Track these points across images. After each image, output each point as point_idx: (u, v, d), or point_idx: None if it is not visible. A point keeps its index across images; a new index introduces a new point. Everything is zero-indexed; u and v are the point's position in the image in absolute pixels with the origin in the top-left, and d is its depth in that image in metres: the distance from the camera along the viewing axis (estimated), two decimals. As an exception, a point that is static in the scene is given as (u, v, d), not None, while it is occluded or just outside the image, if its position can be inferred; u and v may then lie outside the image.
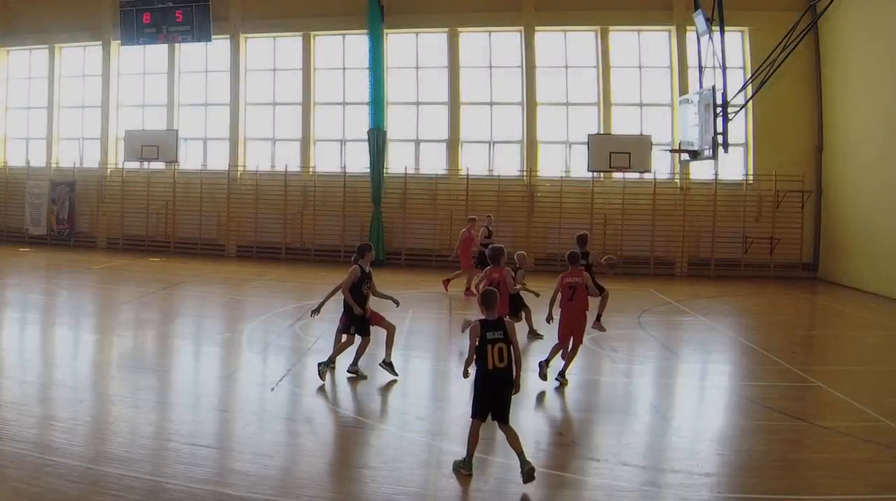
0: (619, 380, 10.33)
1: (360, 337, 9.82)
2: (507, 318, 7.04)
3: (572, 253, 9.93)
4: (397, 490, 6.37)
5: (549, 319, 9.95)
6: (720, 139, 16.60)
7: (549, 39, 23.80)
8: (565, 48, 23.81)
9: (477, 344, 6.66)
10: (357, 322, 9.74)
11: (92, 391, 9.17)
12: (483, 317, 6.78)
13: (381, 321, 10.03)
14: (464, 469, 6.70)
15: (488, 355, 6.61)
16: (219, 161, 25.57)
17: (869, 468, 7.05)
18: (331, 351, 9.90)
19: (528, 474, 6.41)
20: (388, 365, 9.89)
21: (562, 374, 9.72)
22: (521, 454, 6.52)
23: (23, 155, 27.66)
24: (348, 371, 9.83)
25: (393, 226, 23.89)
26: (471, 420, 6.76)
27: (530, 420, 8.78)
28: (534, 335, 12.33)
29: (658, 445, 7.83)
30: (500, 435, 8.06)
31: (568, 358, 9.79)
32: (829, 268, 21.80)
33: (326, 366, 9.64)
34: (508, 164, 23.86)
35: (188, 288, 18.13)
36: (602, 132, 22.90)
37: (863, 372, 11.24)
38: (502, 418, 6.67)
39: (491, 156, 24.12)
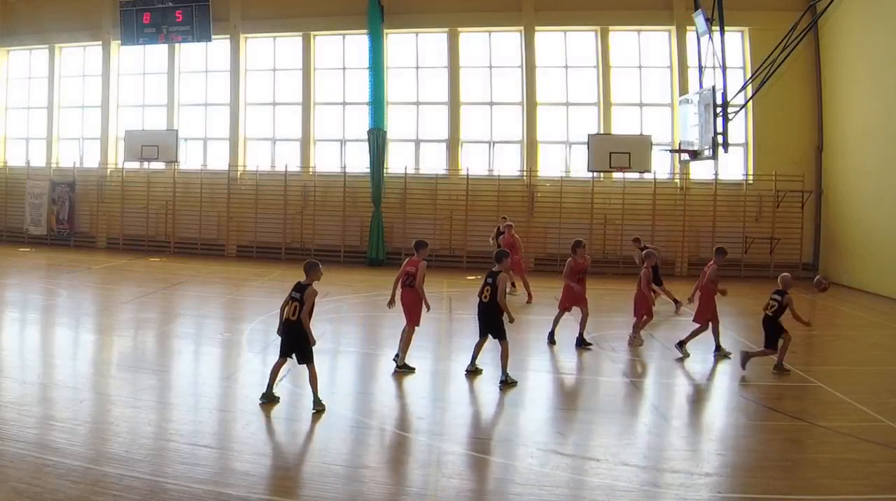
0: (619, 380, 10.32)
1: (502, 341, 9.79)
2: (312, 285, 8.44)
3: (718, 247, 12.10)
4: (397, 490, 6.37)
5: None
6: (720, 139, 16.62)
7: (549, 39, 23.81)
8: (565, 48, 23.82)
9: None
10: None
11: (92, 391, 9.17)
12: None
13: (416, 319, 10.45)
14: (260, 400, 8.56)
15: (286, 309, 8.42)
16: (219, 161, 25.58)
17: (869, 468, 7.05)
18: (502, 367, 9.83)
19: (317, 413, 8.30)
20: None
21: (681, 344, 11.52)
22: (315, 392, 8.41)
23: (23, 155, 27.68)
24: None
25: (393, 226, 23.89)
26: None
27: (531, 419, 8.79)
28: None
29: (658, 445, 7.83)
30: (498, 435, 8.10)
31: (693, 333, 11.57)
32: (829, 268, 21.78)
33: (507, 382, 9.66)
34: (508, 164, 23.87)
35: (188, 288, 18.13)
36: (602, 132, 22.91)
37: (863, 372, 11.24)
38: (301, 361, 8.42)
39: (491, 156, 24.12)
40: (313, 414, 8.33)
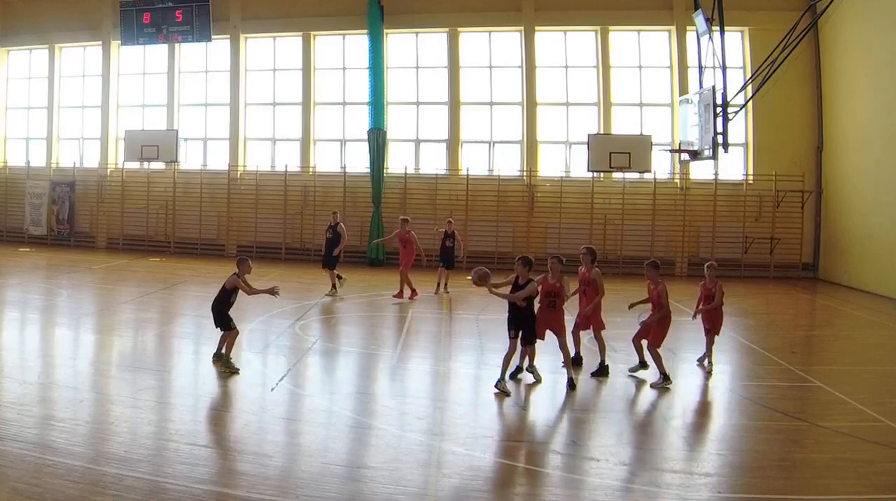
0: (619, 380, 10.32)
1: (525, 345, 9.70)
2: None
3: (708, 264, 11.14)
4: (397, 490, 6.37)
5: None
6: (720, 139, 16.62)
7: (549, 39, 23.81)
8: (565, 48, 23.83)
9: None
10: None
11: (92, 391, 9.16)
12: None
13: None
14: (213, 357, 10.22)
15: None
16: (219, 161, 25.59)
17: (869, 468, 7.05)
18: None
19: (219, 365, 9.96)
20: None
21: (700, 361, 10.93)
22: (228, 352, 10.01)
23: (23, 155, 27.68)
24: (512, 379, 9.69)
25: (393, 226, 23.84)
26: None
27: (531, 419, 8.79)
28: None
29: (658, 445, 7.83)
30: (498, 435, 8.10)
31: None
32: (829, 268, 21.80)
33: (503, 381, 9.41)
34: (508, 164, 23.87)
35: (188, 288, 18.13)
36: (602, 132, 22.91)
37: (863, 372, 11.24)
38: (221, 328, 10.11)
39: (491, 156, 24.12)
40: (222, 371, 9.81)
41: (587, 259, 10.72)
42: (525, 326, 9.48)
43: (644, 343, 10.17)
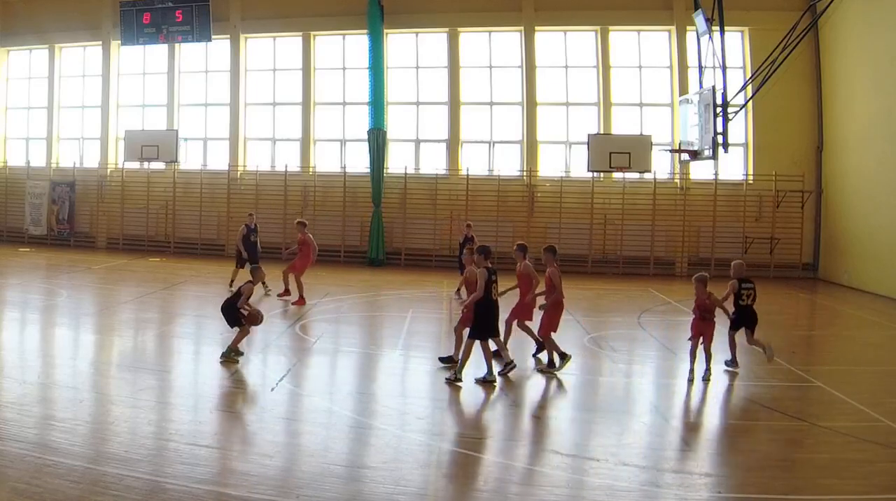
0: (619, 380, 10.32)
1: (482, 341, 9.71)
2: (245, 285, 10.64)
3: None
4: (397, 490, 6.37)
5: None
6: (720, 139, 16.62)
7: (549, 39, 23.82)
8: (565, 48, 23.83)
9: None
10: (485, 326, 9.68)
11: (92, 391, 9.16)
12: None
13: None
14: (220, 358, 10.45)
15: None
16: (219, 161, 25.58)
17: (869, 468, 7.04)
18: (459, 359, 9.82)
19: (226, 361, 10.31)
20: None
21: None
22: (235, 344, 10.36)
23: (23, 155, 27.68)
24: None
25: (393, 226, 23.89)
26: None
27: (530, 419, 8.79)
28: None
29: (658, 445, 7.82)
30: (498, 435, 8.10)
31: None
32: (829, 268, 21.79)
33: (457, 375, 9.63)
34: (508, 164, 23.87)
35: (188, 289, 18.13)
36: (602, 132, 22.91)
37: (863, 372, 11.23)
38: (232, 326, 10.59)
39: (491, 156, 24.12)
40: (225, 356, 10.30)
41: (518, 255, 10.87)
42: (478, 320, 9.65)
43: (515, 323, 10.76)
